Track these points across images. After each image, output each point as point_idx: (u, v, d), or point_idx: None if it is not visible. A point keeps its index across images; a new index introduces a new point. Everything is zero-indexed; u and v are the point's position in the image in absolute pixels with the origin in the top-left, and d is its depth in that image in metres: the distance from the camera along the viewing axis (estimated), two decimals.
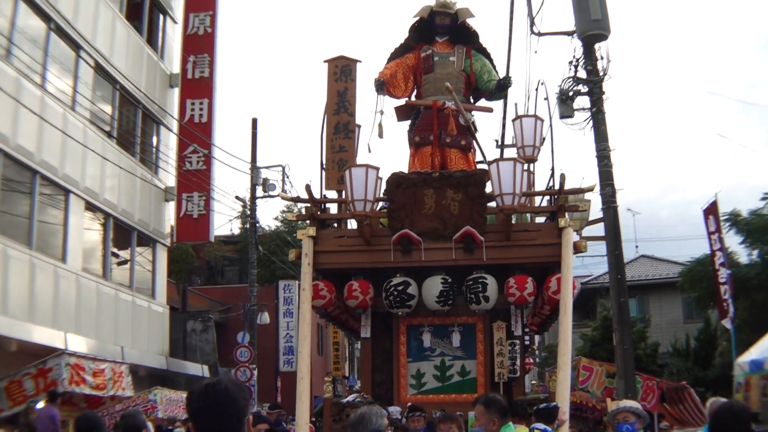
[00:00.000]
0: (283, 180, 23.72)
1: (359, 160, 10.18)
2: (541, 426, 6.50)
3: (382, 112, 10.45)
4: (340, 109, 10.62)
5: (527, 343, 12.30)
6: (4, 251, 14.51)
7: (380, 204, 9.69)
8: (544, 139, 10.04)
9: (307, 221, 9.54)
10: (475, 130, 10.65)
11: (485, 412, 5.37)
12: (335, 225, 9.99)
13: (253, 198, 23.42)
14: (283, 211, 32.11)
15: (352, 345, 22.40)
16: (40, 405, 12.26)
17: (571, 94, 13.92)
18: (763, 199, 21.17)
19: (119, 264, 19.37)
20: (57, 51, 16.47)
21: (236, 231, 28.75)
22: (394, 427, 8.30)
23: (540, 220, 9.93)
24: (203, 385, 2.29)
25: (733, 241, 20.47)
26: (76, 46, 17.19)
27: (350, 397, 10.17)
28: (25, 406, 12.38)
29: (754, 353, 10.69)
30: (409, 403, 8.94)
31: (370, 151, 10.81)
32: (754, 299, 19.82)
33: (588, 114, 13.81)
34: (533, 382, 9.32)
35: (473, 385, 9.60)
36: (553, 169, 10.35)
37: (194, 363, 23.04)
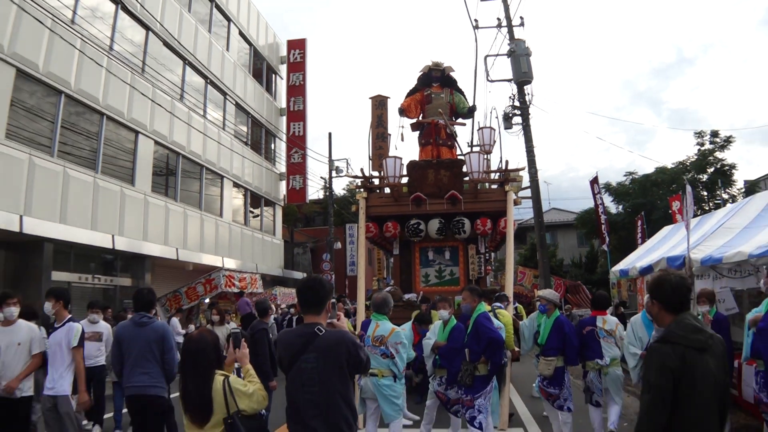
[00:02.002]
0: (347, 166, 31.14)
1: (390, 154, 13.24)
2: (498, 304, 9.36)
3: (402, 127, 13.34)
4: (378, 124, 14.33)
5: (487, 257, 13.10)
6: (184, 212, 19.73)
7: (403, 179, 12.04)
8: (495, 141, 12.68)
9: (361, 188, 12.22)
10: (456, 136, 13.42)
11: (470, 295, 6.72)
12: (377, 190, 12.45)
13: (330, 177, 31.33)
14: (348, 184, 40.39)
15: (388, 259, 27.52)
16: (207, 300, 15.99)
17: (510, 115, 18.37)
18: (625, 176, 29.58)
19: (254, 216, 25.55)
20: (212, 96, 22.64)
21: (321, 196, 35.00)
22: (411, 306, 10.90)
23: (494, 187, 11.99)
24: (306, 278, 3.61)
25: (607, 200, 27.51)
26: (223, 93, 23.54)
27: (387, 289, 12.41)
28: (197, 302, 16.05)
29: (621, 265, 13.54)
30: (421, 292, 11.65)
31: (396, 149, 13.72)
32: (620, 234, 26.94)
33: (520, 127, 18.41)
34: (491, 280, 11.78)
35: (457, 281, 12.18)
36: (501, 158, 13.74)
37: (298, 272, 30.33)
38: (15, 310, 5.94)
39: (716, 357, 2.98)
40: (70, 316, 6.12)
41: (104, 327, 9.10)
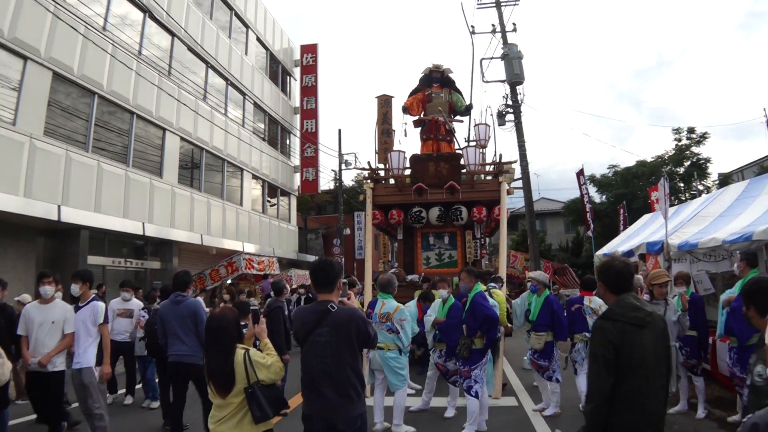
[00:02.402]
0: (355, 159, 31.92)
1: (395, 148, 13.19)
2: (493, 284, 9.31)
3: (405, 123, 13.30)
4: (383, 121, 14.19)
5: (483, 242, 13.10)
6: (208, 202, 19.67)
7: (406, 171, 12.03)
8: (489, 137, 12.64)
9: (368, 180, 12.22)
10: (454, 132, 13.38)
11: (467, 276, 6.80)
12: (383, 181, 12.42)
13: (340, 169, 30.81)
14: (356, 176, 39.75)
15: (392, 243, 27.83)
16: (229, 281, 16.32)
17: (504, 113, 18.24)
18: (608, 168, 29.33)
19: (271, 205, 25.48)
20: (232, 96, 22.60)
21: (331, 187, 34.94)
22: (414, 285, 11.03)
23: (489, 178, 11.91)
24: (318, 260, 3.79)
25: (592, 190, 27.05)
26: (242, 94, 23.46)
27: (392, 270, 11.75)
28: (219, 282, 16.31)
29: (604, 250, 13.53)
30: (423, 273, 11.71)
31: (400, 143, 13.91)
32: (603, 222, 26.81)
33: (513, 123, 18.26)
34: (486, 263, 11.81)
35: (456, 263, 12.20)
36: (495, 152, 13.44)
37: (311, 255, 30.43)
38: (50, 289, 5.87)
39: (655, 332, 3.13)
40: (94, 295, 6.11)
41: (135, 304, 8.99)
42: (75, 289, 5.97)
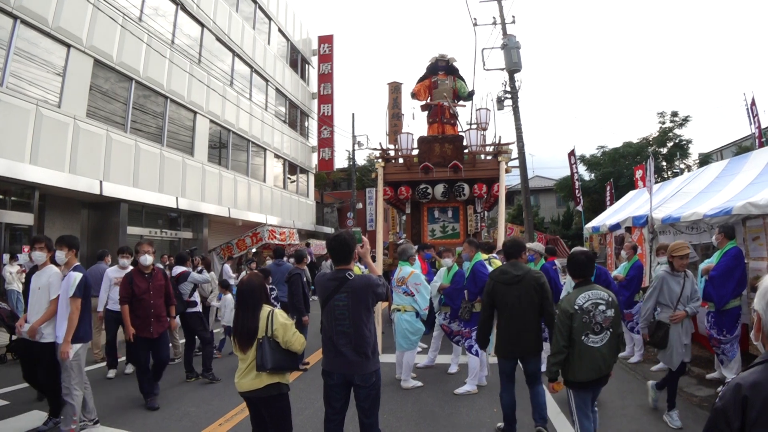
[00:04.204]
0: (367, 141, 31.92)
1: (403, 130, 13.20)
2: (494, 255, 8.61)
3: (413, 108, 13.16)
4: (394, 106, 14.00)
5: (482, 216, 12.96)
6: (234, 178, 19.67)
7: (414, 151, 11.97)
8: (489, 121, 12.53)
9: (380, 159, 11.97)
10: (458, 116, 13.26)
11: (469, 246, 6.80)
12: (393, 160, 12.27)
13: (353, 149, 31.03)
14: (368, 156, 40.10)
15: (401, 217, 27.97)
16: (254, 250, 16.25)
17: (503, 98, 17.83)
18: (597, 149, 28.84)
19: (291, 182, 25.30)
20: (256, 82, 22.32)
21: (345, 165, 35.25)
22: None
23: (489, 158, 11.76)
24: (334, 234, 3.86)
25: (581, 168, 26.49)
26: (265, 80, 23.16)
27: (401, 241, 11.43)
28: (246, 251, 16.26)
29: (593, 223, 13.47)
30: (428, 243, 10.98)
31: (408, 126, 13.85)
32: (592, 197, 26.33)
33: (511, 108, 17.85)
34: (485, 235, 11.83)
35: (458, 235, 12.26)
36: (495, 134, 13.48)
37: (327, 227, 30.63)
38: (41, 255, 5.07)
39: (523, 288, 4.66)
40: (77, 264, 5.17)
41: None
42: (60, 256, 5.12)
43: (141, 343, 6.05)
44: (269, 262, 12.82)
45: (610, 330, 3.89)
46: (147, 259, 6.18)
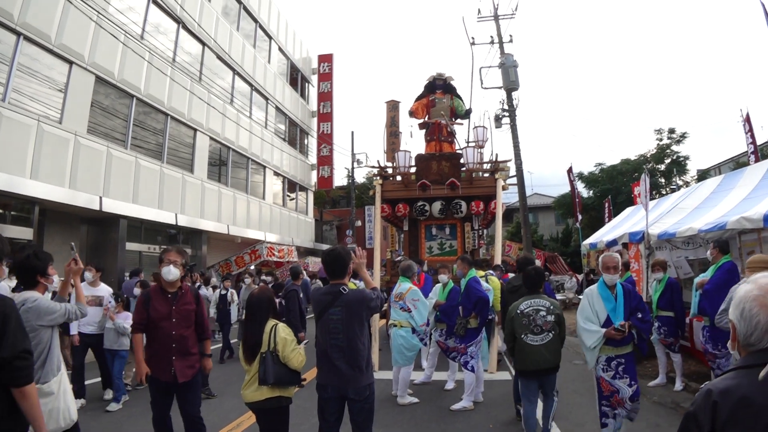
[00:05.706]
0: (366, 158, 32.15)
1: (401, 148, 13.14)
2: (491, 272, 8.99)
3: (411, 126, 13.43)
4: (391, 124, 14.04)
5: (480, 233, 12.71)
6: (234, 195, 19.66)
7: (412, 168, 12.07)
8: (487, 138, 12.67)
9: (378, 176, 12.28)
10: (455, 134, 13.27)
11: (462, 263, 6.80)
12: (391, 178, 12.46)
13: (352, 167, 31.28)
14: (367, 173, 39.83)
15: (399, 234, 27.96)
16: (252, 267, 16.10)
17: (500, 116, 18.07)
18: (595, 166, 28.74)
19: (290, 199, 25.39)
20: (256, 100, 22.48)
21: (345, 183, 35.30)
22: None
23: (486, 175, 12.00)
24: (330, 249, 3.91)
25: (579, 186, 26.30)
26: (265, 98, 23.33)
27: (399, 258, 12.44)
28: (244, 268, 16.14)
29: (591, 239, 13.35)
30: (426, 260, 11.16)
31: (406, 144, 13.69)
32: (590, 214, 26.34)
33: (509, 126, 18.05)
34: (483, 252, 11.73)
35: (455, 252, 12.07)
36: (492, 151, 13.73)
37: (326, 245, 29.92)
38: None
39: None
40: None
41: (105, 291, 7.08)
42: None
43: (158, 388, 4.34)
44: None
45: (552, 332, 4.61)
46: (171, 272, 4.36)
